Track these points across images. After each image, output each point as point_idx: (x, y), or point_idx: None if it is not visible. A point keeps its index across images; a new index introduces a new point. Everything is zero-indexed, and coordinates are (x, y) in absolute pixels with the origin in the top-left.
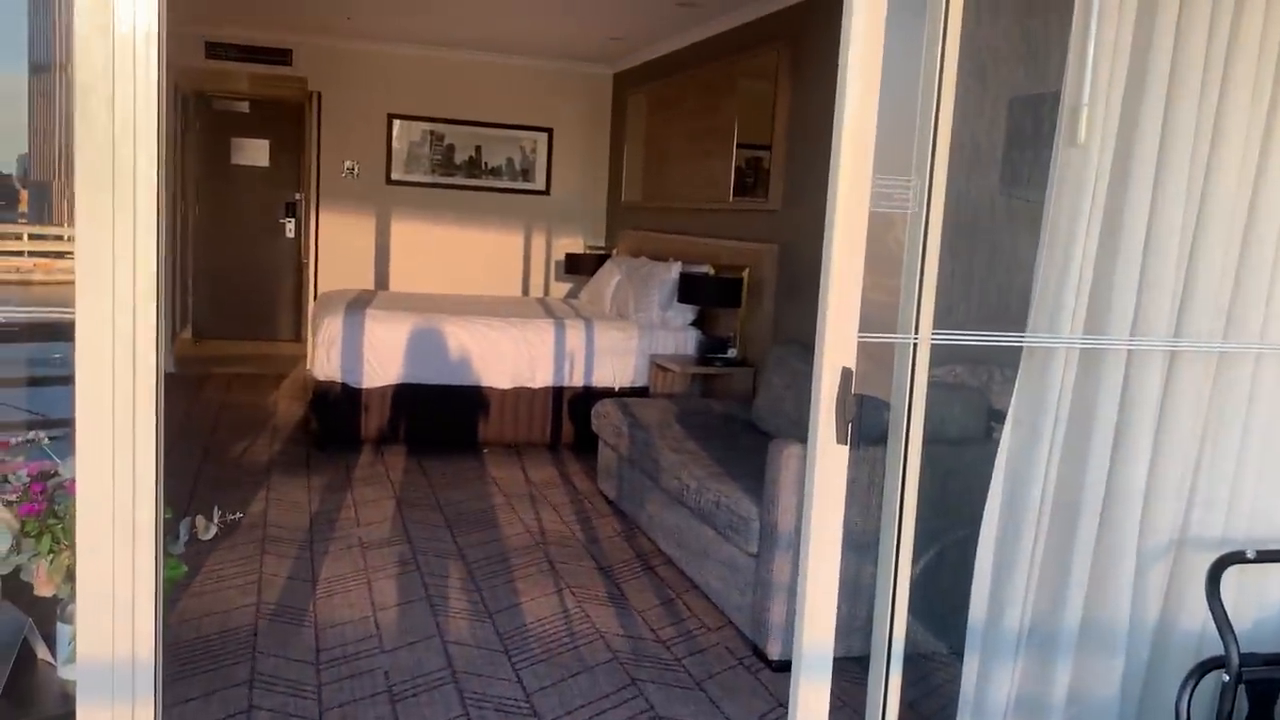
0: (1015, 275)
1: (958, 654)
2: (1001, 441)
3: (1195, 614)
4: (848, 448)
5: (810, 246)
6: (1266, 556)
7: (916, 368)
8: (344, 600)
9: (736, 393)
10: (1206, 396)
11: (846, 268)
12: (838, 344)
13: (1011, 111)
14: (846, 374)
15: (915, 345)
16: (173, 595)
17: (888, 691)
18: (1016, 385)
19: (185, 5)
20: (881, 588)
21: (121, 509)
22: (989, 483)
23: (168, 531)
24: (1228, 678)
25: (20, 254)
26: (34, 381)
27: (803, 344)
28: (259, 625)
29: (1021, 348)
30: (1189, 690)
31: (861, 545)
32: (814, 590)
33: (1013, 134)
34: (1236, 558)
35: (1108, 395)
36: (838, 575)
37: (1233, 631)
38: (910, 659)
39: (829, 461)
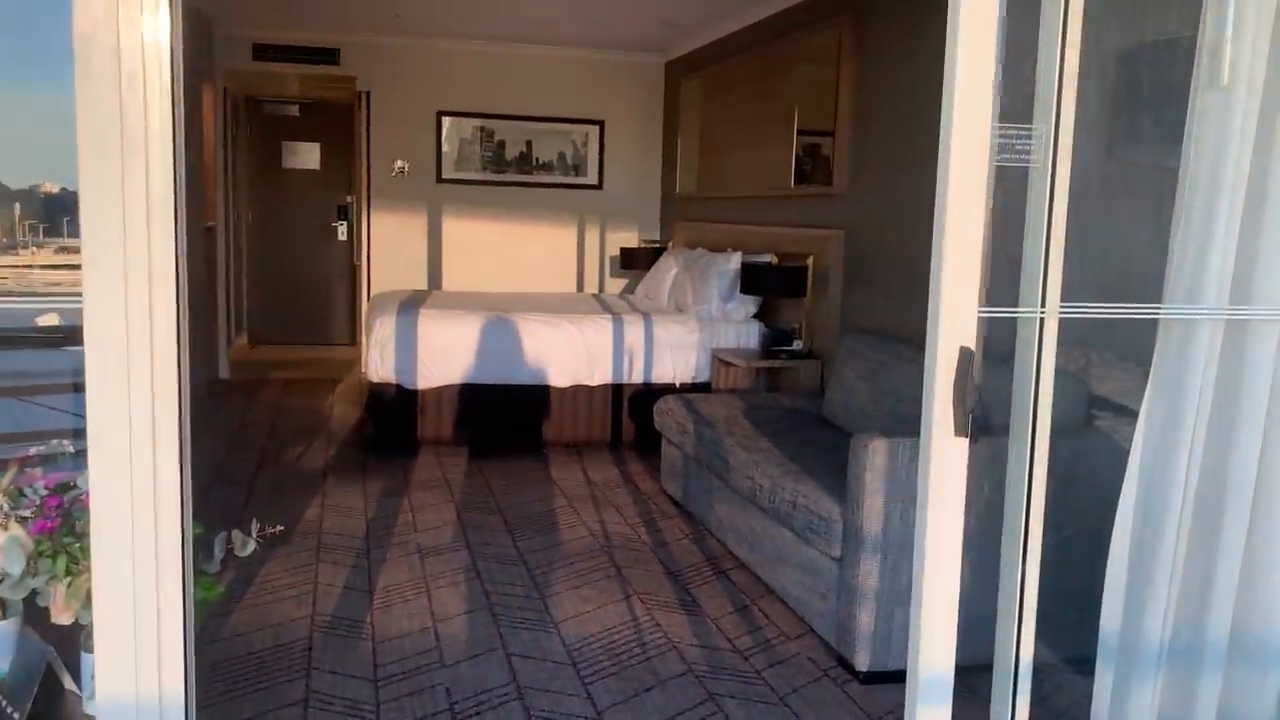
0: (1131, 249)
1: (1079, 666)
2: (1136, 431)
3: None
4: (967, 441)
5: (879, 231)
6: None
7: (1044, 346)
8: (403, 611)
9: (804, 387)
10: None
11: (963, 230)
12: (955, 320)
13: (1127, 62)
14: (966, 355)
15: (1042, 320)
16: (213, 613)
17: (1015, 713)
18: (1153, 367)
19: (232, 6)
20: (1005, 601)
21: (142, 525)
22: (1095, 475)
23: (199, 549)
24: None
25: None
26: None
27: (876, 333)
28: (314, 639)
29: (1157, 323)
30: None
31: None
32: (931, 604)
33: (1127, 88)
34: None
35: (1257, 374)
36: (958, 587)
37: None
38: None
39: (947, 457)
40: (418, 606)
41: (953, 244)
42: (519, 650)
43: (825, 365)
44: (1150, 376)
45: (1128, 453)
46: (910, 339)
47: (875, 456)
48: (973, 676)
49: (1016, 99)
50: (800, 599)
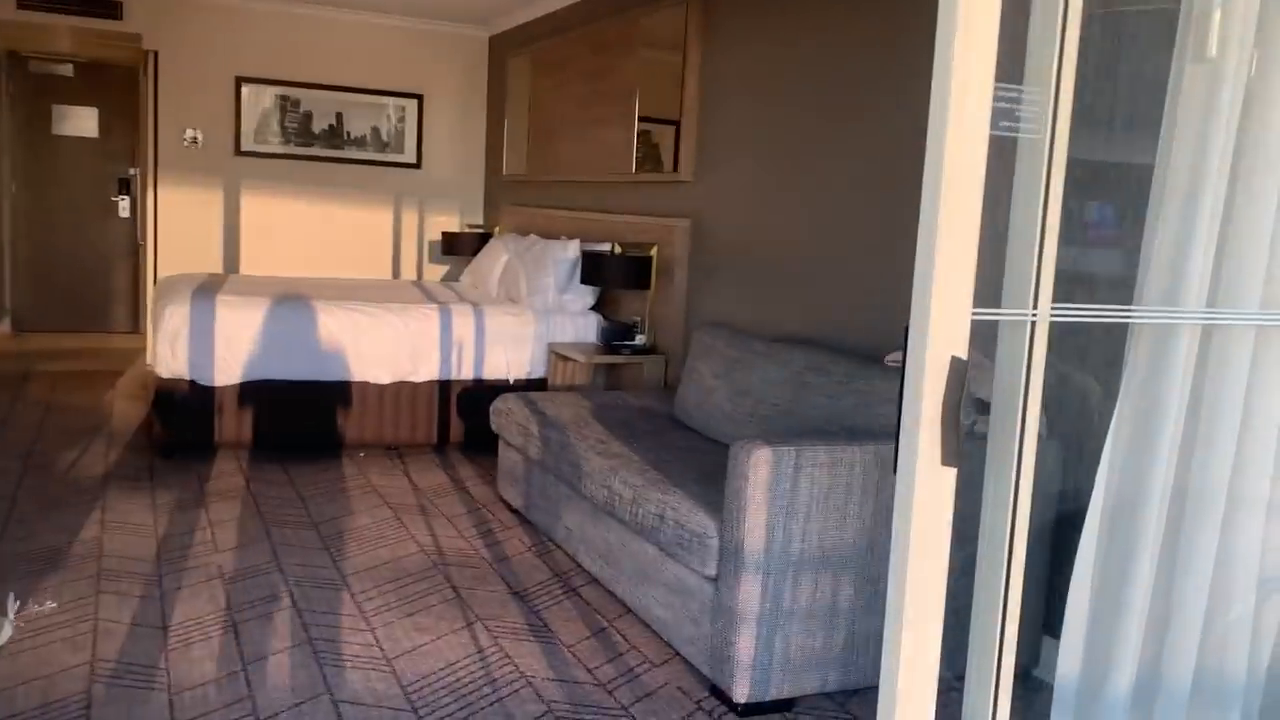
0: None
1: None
2: (1106, 444)
3: None
4: (955, 472)
5: (729, 220)
6: None
7: (1034, 353)
8: (205, 651)
9: (648, 383)
10: None
11: (958, 216)
12: (945, 324)
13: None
14: (958, 367)
15: (1033, 323)
16: None
17: None
18: (1125, 374)
19: None
20: (980, 634)
21: None
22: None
23: None
24: None
25: None
26: None
27: (731, 327)
28: (94, 691)
29: (1129, 326)
30: None
31: (838, 563)
32: (909, 673)
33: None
34: None
35: (1234, 383)
36: (939, 649)
37: None
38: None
39: (932, 493)
40: (223, 645)
41: (946, 231)
42: (348, 695)
43: (670, 361)
44: (1123, 385)
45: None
46: (767, 334)
47: (758, 467)
48: (854, 702)
49: (1000, 61)
50: (666, 621)
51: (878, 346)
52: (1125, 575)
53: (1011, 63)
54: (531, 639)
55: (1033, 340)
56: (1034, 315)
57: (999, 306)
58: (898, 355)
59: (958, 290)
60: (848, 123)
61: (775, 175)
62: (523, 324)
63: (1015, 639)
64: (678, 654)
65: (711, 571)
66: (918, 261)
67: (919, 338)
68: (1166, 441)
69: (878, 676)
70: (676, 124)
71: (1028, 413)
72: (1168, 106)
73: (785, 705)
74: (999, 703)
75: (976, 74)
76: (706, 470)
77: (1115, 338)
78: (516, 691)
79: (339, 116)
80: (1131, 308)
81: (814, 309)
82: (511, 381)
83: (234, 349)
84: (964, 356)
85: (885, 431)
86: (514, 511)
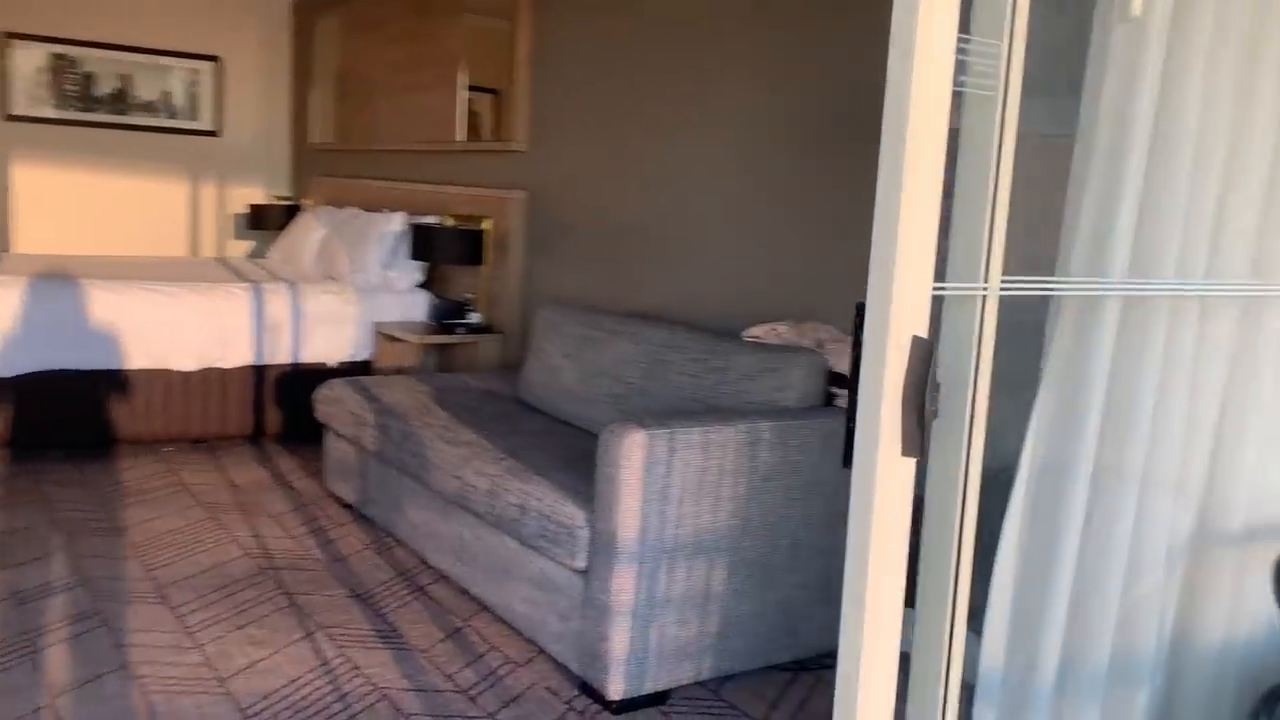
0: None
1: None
2: (1030, 425)
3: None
4: (914, 463)
5: (570, 193)
6: None
7: (985, 328)
8: (3, 685)
9: (485, 364)
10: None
11: (919, 180)
12: (906, 302)
13: None
14: (921, 348)
15: (984, 298)
16: None
17: None
18: (1050, 350)
19: None
20: (928, 624)
21: None
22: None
23: None
24: None
25: None
26: None
27: (579, 304)
28: None
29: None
30: None
31: (711, 547)
32: (869, 680)
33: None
34: None
35: (1153, 357)
36: (897, 657)
37: None
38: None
39: (893, 485)
40: (23, 677)
41: (910, 198)
42: None
43: (508, 340)
44: (1048, 361)
45: None
46: (619, 310)
47: (632, 453)
48: (728, 688)
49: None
50: (529, 618)
51: (737, 321)
52: (1050, 557)
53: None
54: (380, 646)
55: (983, 316)
56: (985, 289)
57: (943, 281)
58: (758, 330)
59: (918, 264)
60: (699, 92)
61: (622, 147)
62: (344, 303)
63: (963, 636)
64: (543, 652)
65: (581, 564)
66: (876, 233)
67: (878, 318)
68: (1092, 419)
69: (752, 661)
70: (504, 92)
71: (978, 392)
72: (1091, 69)
73: (660, 698)
74: (949, 700)
75: (941, 20)
76: (566, 455)
77: (1036, 311)
78: (371, 706)
79: (125, 79)
80: (1083, 280)
81: (668, 285)
82: (333, 365)
83: (7, 336)
84: (925, 336)
85: (752, 409)
86: (346, 507)
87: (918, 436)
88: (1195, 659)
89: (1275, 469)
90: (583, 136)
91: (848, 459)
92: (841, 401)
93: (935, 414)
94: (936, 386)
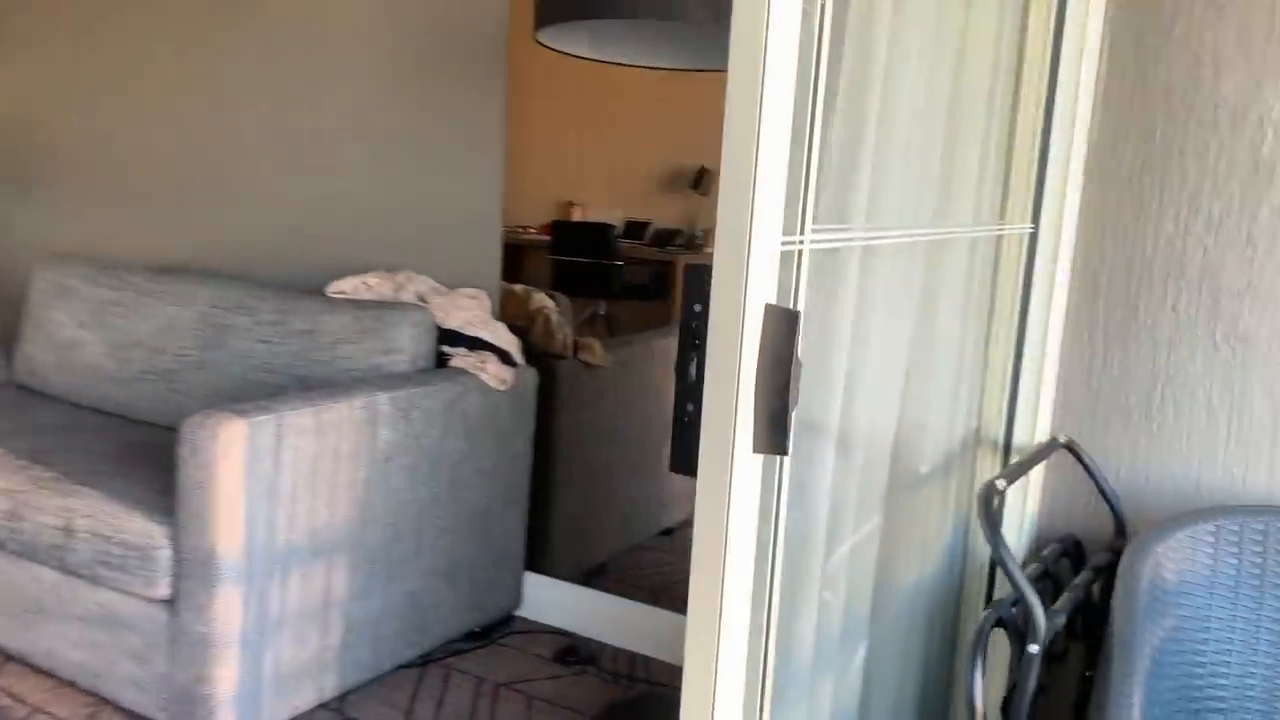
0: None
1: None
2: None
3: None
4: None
5: (57, 121)
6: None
7: (801, 285)
8: None
9: None
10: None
11: (774, 108)
12: (761, 262)
13: None
14: (779, 320)
15: (801, 251)
16: None
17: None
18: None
19: None
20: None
21: None
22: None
23: None
24: (1035, 647)
25: None
26: None
27: (91, 260)
28: None
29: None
30: (980, 660)
31: (329, 546)
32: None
33: None
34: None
35: (892, 299)
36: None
37: (1030, 582)
38: None
39: (745, 487)
40: None
41: (770, 132)
42: None
43: None
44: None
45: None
46: (144, 266)
47: (231, 448)
48: (351, 702)
49: None
50: (86, 665)
51: (315, 274)
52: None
53: None
54: None
55: (799, 271)
56: (800, 241)
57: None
58: (345, 284)
59: (766, 214)
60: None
61: (129, 50)
62: None
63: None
64: (111, 703)
65: (164, 593)
66: (724, 179)
67: (725, 283)
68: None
69: (378, 667)
70: None
71: (794, 355)
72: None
73: None
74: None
75: None
76: (112, 454)
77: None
78: None
79: None
80: (890, 230)
81: (212, 231)
82: None
83: None
84: (777, 303)
85: (358, 378)
86: None
87: (778, 430)
88: (908, 601)
89: (955, 401)
90: (66, 48)
91: (679, 463)
92: (456, 362)
93: (796, 401)
94: (800, 365)
